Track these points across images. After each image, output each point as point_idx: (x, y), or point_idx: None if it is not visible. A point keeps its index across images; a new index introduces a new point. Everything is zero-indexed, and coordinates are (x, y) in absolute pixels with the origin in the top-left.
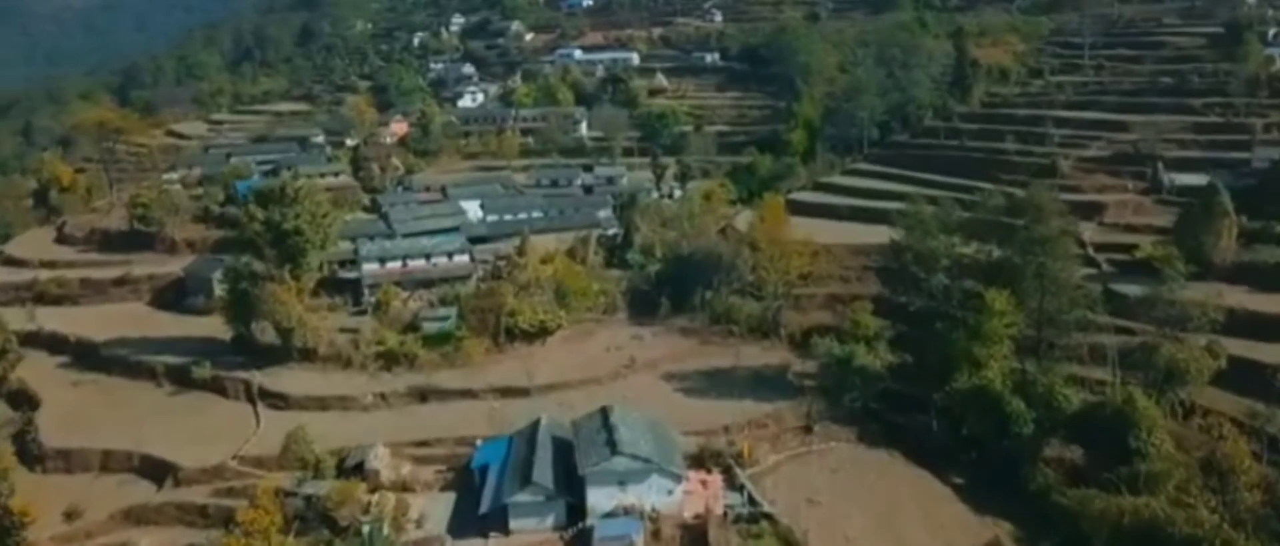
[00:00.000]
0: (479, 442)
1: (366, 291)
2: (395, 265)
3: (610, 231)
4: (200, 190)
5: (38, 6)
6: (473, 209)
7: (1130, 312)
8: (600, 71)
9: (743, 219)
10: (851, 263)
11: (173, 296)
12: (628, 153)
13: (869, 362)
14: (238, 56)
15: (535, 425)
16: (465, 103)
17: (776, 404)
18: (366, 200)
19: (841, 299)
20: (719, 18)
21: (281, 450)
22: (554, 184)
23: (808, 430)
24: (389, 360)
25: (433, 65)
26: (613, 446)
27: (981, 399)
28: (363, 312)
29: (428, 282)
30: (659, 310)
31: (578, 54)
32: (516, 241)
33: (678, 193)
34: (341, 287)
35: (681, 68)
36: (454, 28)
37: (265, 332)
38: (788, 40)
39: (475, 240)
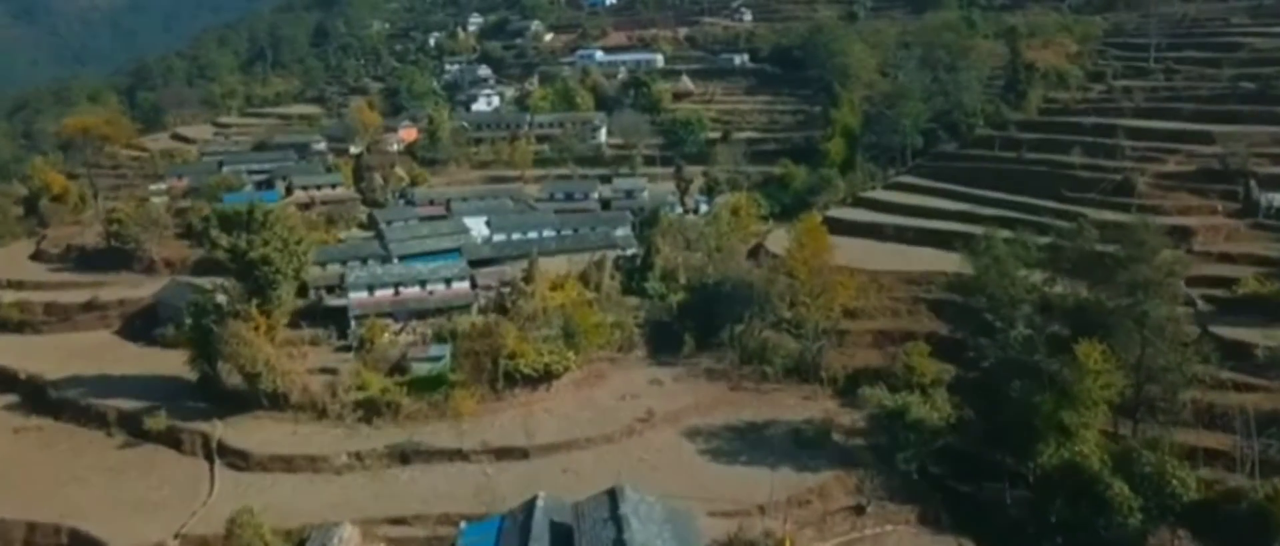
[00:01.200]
0: (463, 525)
1: (353, 323)
2: (386, 293)
3: (629, 252)
4: (187, 202)
5: (65, 6)
6: (478, 226)
7: (1245, 361)
8: (622, 74)
9: (775, 237)
10: (902, 294)
11: (141, 325)
12: (649, 162)
13: (926, 415)
14: (252, 56)
15: (530, 505)
16: (480, 106)
17: (821, 473)
18: (365, 215)
19: (891, 336)
20: (748, 17)
21: (226, 534)
22: (568, 197)
23: (859, 510)
24: (370, 409)
25: (447, 67)
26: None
27: (1074, 477)
28: (348, 348)
29: (423, 313)
30: (682, 348)
31: (599, 55)
32: (524, 264)
33: (704, 207)
34: (327, 317)
35: (708, 70)
36: (471, 27)
37: (232, 374)
38: (823, 41)
39: (479, 262)
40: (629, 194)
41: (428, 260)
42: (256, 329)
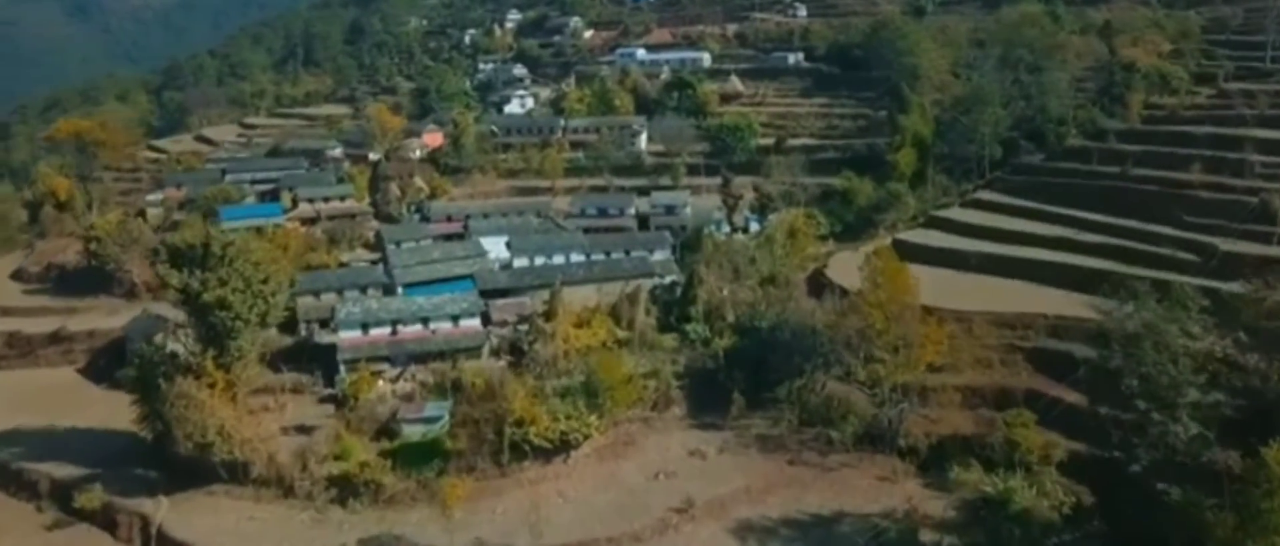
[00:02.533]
0: None
1: (341, 368)
2: (383, 332)
3: (667, 280)
4: (182, 214)
5: (118, 5)
6: (497, 247)
7: None
8: (665, 74)
9: (839, 263)
10: (993, 341)
11: (106, 363)
12: (693, 172)
13: (1034, 505)
14: (286, 54)
15: None
16: (513, 109)
17: None
18: (376, 231)
19: (983, 395)
20: (803, 12)
21: None
22: (601, 213)
23: None
24: (346, 488)
25: (481, 66)
26: None
27: None
28: (335, 399)
29: (424, 356)
30: (729, 406)
31: (640, 54)
32: (546, 295)
33: (754, 226)
34: (315, 358)
35: (759, 70)
36: (509, 24)
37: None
38: (889, 38)
39: (494, 293)
40: (670, 210)
41: (437, 289)
42: (212, 386)
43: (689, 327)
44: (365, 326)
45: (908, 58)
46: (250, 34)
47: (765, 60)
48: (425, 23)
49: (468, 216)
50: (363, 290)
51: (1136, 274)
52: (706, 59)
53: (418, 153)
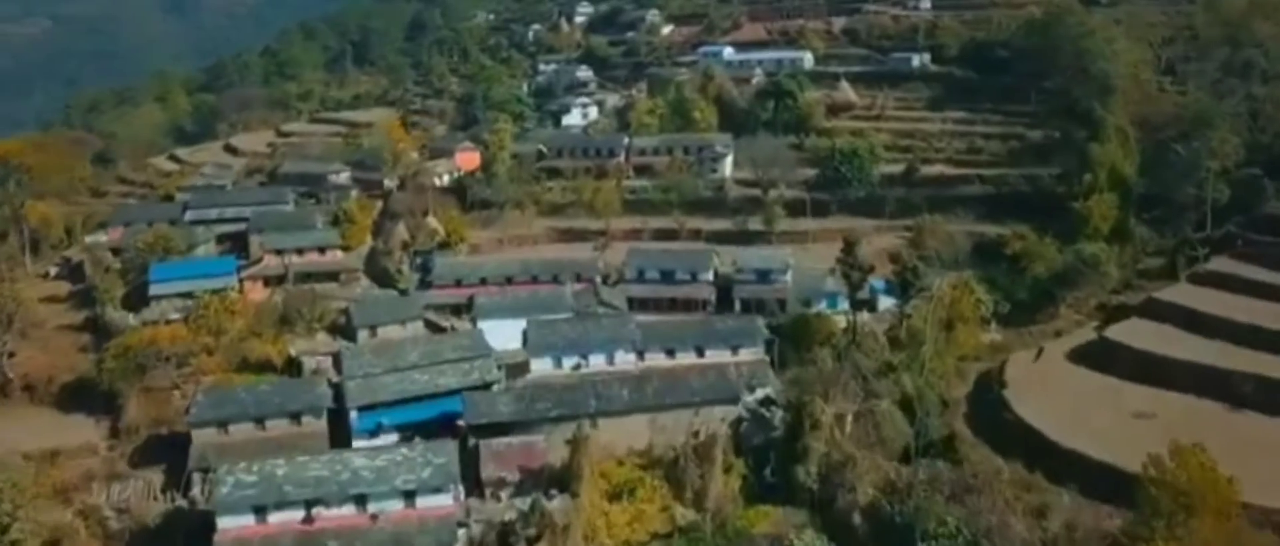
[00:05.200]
0: None
1: None
2: (290, 517)
3: (759, 395)
4: (118, 262)
5: (212, 1)
6: (511, 334)
7: None
8: (758, 78)
9: (1021, 373)
10: None
11: None
12: (794, 210)
13: None
14: (340, 52)
15: None
16: (572, 120)
17: None
18: (362, 297)
19: None
20: (928, 4)
21: None
22: (666, 277)
23: None
24: None
25: (542, 66)
26: None
27: None
28: None
29: None
30: None
31: (727, 53)
32: (568, 431)
33: (886, 301)
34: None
35: (875, 74)
36: (578, 19)
37: None
38: (1062, 35)
39: (491, 429)
40: (763, 277)
41: (408, 414)
42: None
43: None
44: (260, 510)
45: (1099, 62)
46: (304, 29)
47: (882, 62)
48: (491, 17)
49: (482, 279)
50: (295, 419)
51: None
52: (808, 60)
53: (445, 177)
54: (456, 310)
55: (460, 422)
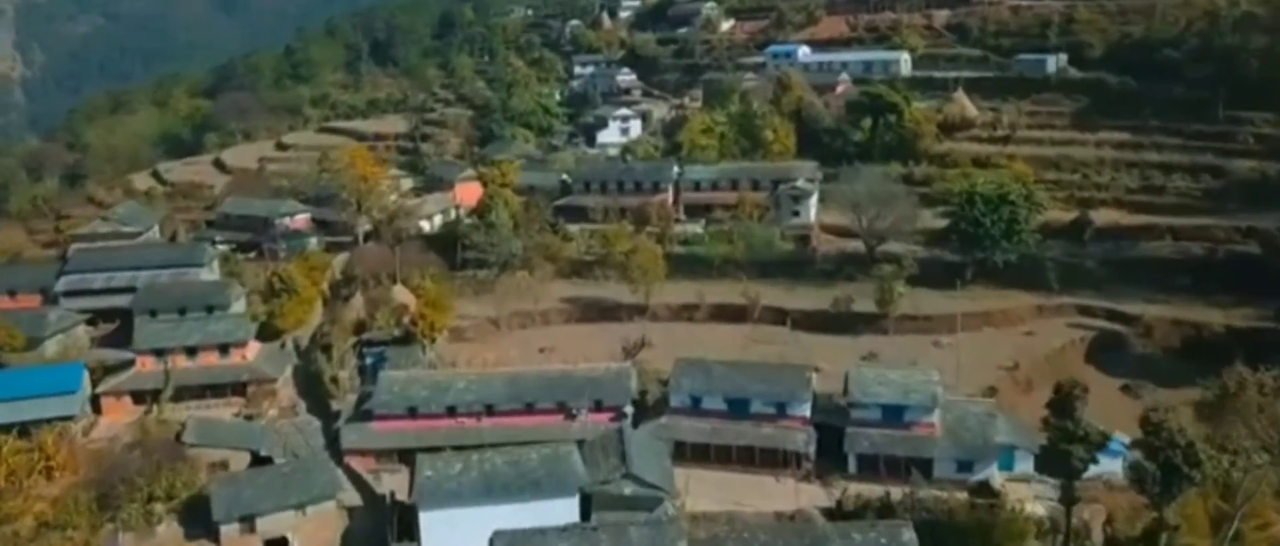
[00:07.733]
0: None
1: None
2: None
3: None
4: None
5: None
6: (475, 537)
7: None
8: (843, 87)
9: None
10: None
11: None
12: (914, 279)
13: None
14: (366, 50)
15: None
16: (609, 137)
17: None
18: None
19: None
20: None
21: None
22: (735, 409)
23: None
24: None
25: (578, 68)
26: None
27: None
28: None
29: None
30: None
31: (803, 54)
32: None
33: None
34: None
35: (997, 81)
36: (624, 14)
37: None
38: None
39: None
40: (893, 416)
41: None
42: None
43: None
44: None
45: None
46: (327, 26)
47: (1005, 66)
48: (530, 13)
49: (449, 409)
50: None
51: None
52: (904, 62)
53: (437, 219)
54: (405, 455)
55: None
